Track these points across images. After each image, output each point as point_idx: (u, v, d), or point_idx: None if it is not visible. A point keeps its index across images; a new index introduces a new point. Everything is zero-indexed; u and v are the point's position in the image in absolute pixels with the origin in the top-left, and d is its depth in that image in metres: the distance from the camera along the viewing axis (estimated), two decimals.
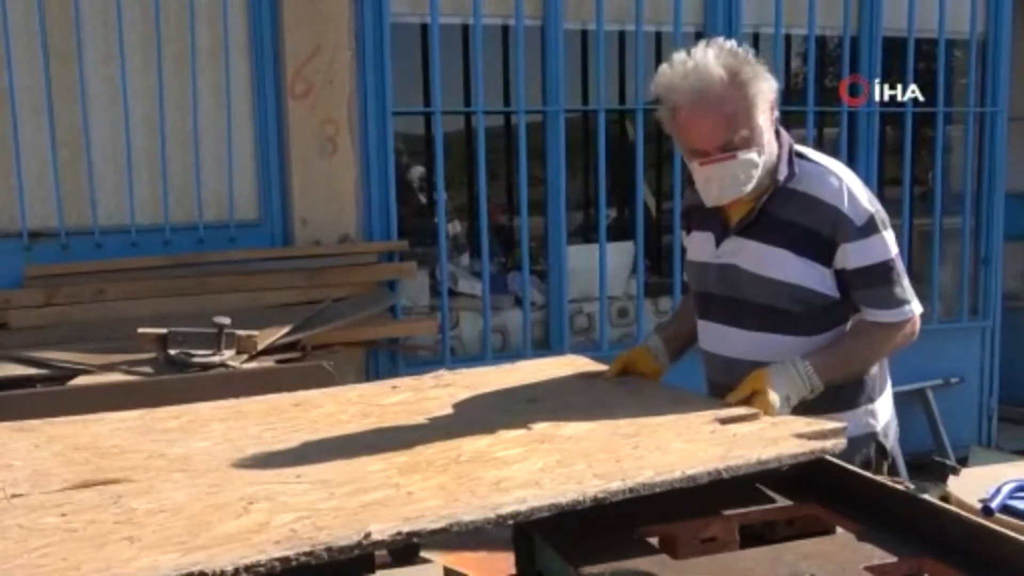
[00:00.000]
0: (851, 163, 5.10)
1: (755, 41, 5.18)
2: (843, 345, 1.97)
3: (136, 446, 1.80)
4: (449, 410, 1.96)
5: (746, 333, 2.04)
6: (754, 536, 1.55)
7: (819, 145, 5.41)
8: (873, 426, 2.07)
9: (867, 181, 5.05)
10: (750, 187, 1.95)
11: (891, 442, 2.12)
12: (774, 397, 1.77)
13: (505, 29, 4.78)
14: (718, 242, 2.07)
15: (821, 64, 5.46)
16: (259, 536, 1.24)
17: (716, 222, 2.08)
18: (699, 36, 4.88)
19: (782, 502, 1.58)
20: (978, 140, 5.44)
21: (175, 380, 2.71)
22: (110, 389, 2.63)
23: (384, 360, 4.38)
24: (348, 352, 3.81)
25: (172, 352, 2.97)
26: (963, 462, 4.90)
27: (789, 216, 1.96)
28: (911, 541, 1.41)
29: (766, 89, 1.92)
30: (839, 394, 1.97)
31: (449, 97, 4.75)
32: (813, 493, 1.60)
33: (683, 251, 2.32)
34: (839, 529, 1.53)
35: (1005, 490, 2.16)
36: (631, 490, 1.35)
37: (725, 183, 1.93)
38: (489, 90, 4.69)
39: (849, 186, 1.96)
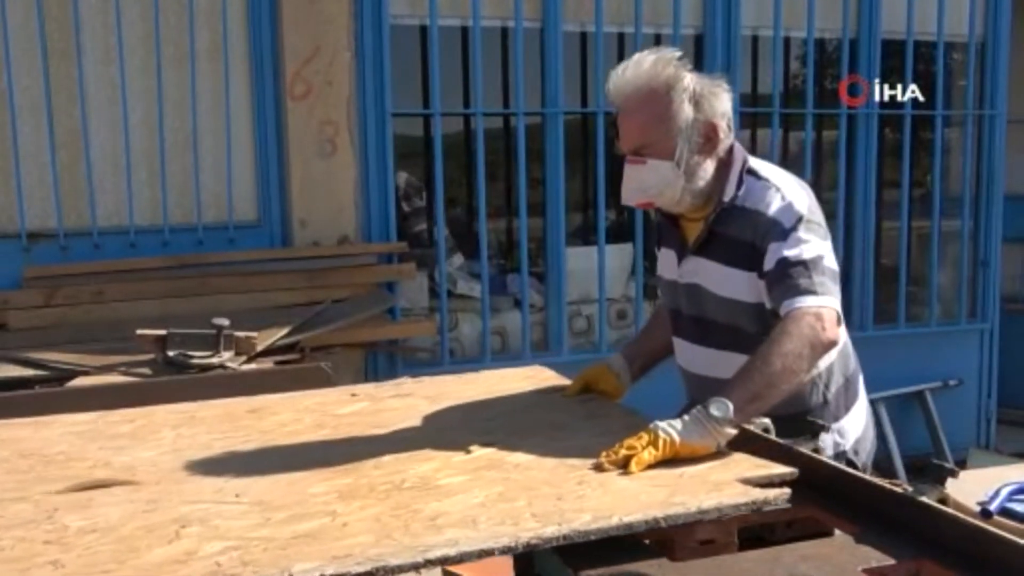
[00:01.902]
0: (850, 165, 5.13)
1: (754, 43, 5.19)
2: (750, 376, 1.74)
3: (83, 453, 1.79)
4: (403, 425, 1.93)
5: (714, 352, 2.03)
6: (753, 538, 1.55)
7: (818, 147, 5.42)
8: (841, 445, 2.04)
9: (866, 183, 5.13)
10: (664, 199, 1.96)
11: (863, 458, 2.09)
12: (649, 455, 1.59)
13: (504, 31, 4.78)
14: (679, 261, 2.08)
15: (820, 66, 5.47)
16: (184, 569, 1.23)
17: (676, 240, 2.09)
18: (698, 38, 4.90)
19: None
20: (977, 143, 5.45)
21: (173, 381, 2.70)
22: (108, 390, 2.63)
23: (383, 362, 4.38)
24: (347, 353, 3.80)
25: (171, 353, 2.97)
26: (961, 464, 4.90)
27: (733, 233, 1.95)
28: (909, 543, 1.41)
29: (688, 114, 1.91)
30: (790, 425, 1.90)
31: (448, 99, 4.75)
32: (811, 495, 1.59)
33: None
34: (837, 531, 1.53)
35: (1004, 492, 2.16)
36: (565, 537, 1.32)
37: (632, 185, 1.97)
38: (488, 92, 4.69)
39: (786, 194, 1.92)
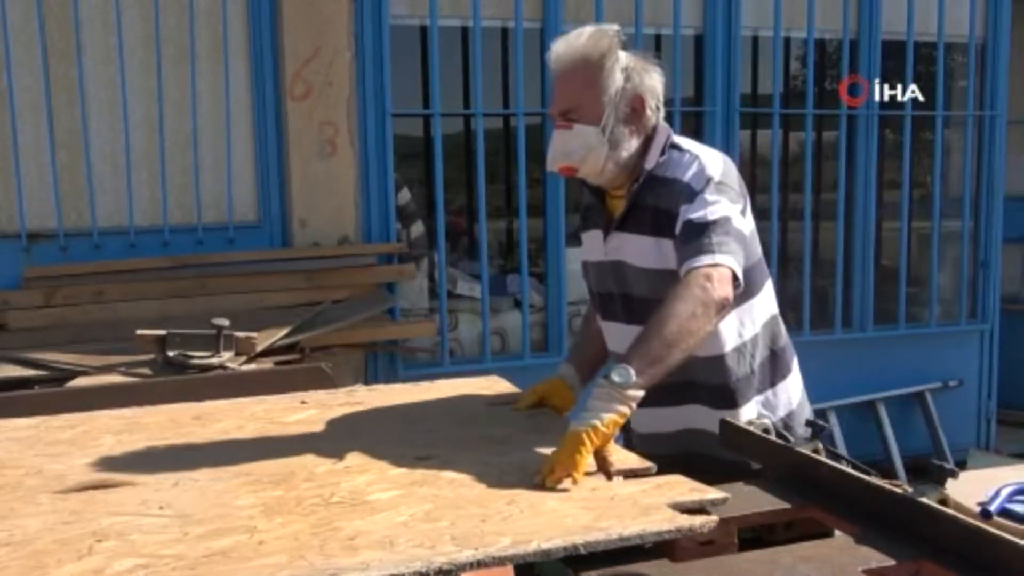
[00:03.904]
0: (850, 166, 5.13)
1: (754, 43, 5.19)
2: (647, 340, 1.72)
3: (18, 460, 1.77)
4: (345, 435, 1.91)
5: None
6: (753, 538, 1.55)
7: (818, 148, 5.42)
8: (766, 416, 2.00)
9: (866, 184, 5.14)
10: (587, 167, 1.99)
11: (800, 431, 2.01)
12: (581, 458, 1.57)
13: (504, 31, 4.78)
14: (604, 238, 2.09)
15: (820, 67, 5.47)
16: None
17: (602, 219, 2.11)
18: (698, 38, 4.90)
19: (780, 504, 1.58)
20: (977, 143, 5.45)
21: (173, 382, 2.70)
22: (108, 390, 2.62)
23: (383, 362, 4.38)
24: (347, 354, 3.80)
25: (171, 354, 2.97)
26: (961, 465, 4.90)
27: (652, 202, 1.99)
28: (909, 544, 1.41)
29: (618, 83, 1.96)
30: (717, 395, 1.97)
31: (448, 99, 4.76)
32: (812, 495, 1.60)
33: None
34: (837, 532, 1.53)
35: (1004, 493, 2.15)
36: (480, 562, 1.30)
37: (557, 149, 2.01)
38: (488, 92, 4.69)
39: (702, 160, 1.96)
